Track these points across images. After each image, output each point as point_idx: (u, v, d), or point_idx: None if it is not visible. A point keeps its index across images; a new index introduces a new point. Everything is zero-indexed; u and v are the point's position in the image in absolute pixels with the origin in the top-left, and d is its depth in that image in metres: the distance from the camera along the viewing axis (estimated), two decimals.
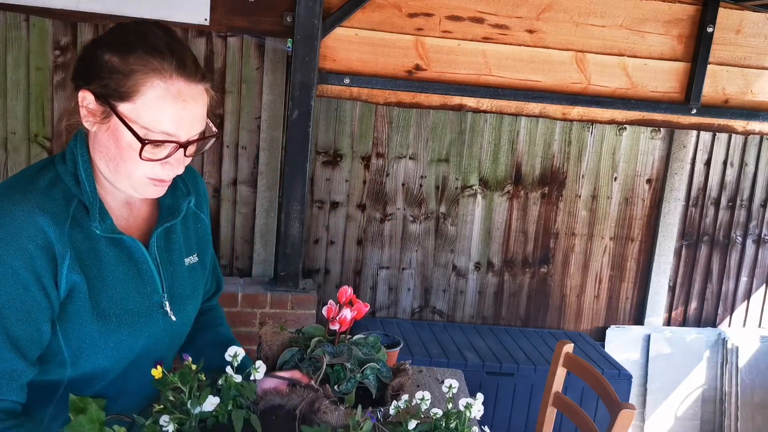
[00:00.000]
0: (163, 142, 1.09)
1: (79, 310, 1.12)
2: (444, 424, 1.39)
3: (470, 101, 3.16)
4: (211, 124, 1.18)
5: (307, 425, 1.20)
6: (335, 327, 1.57)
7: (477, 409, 1.41)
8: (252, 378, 1.22)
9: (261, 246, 3.24)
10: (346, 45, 3.02)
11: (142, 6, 2.80)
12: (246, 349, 3.19)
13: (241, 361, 1.19)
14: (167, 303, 1.24)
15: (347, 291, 1.61)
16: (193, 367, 1.15)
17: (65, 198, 1.12)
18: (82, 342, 1.14)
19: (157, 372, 1.11)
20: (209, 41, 3.01)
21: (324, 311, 1.59)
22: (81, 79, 1.11)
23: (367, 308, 1.63)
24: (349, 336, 1.62)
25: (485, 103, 3.18)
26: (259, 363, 1.25)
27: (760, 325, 3.93)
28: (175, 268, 1.28)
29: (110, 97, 1.08)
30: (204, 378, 1.16)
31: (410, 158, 3.40)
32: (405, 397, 1.41)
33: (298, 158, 2.96)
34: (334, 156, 3.33)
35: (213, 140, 1.19)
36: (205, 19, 2.88)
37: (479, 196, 3.50)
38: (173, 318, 1.25)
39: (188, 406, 1.12)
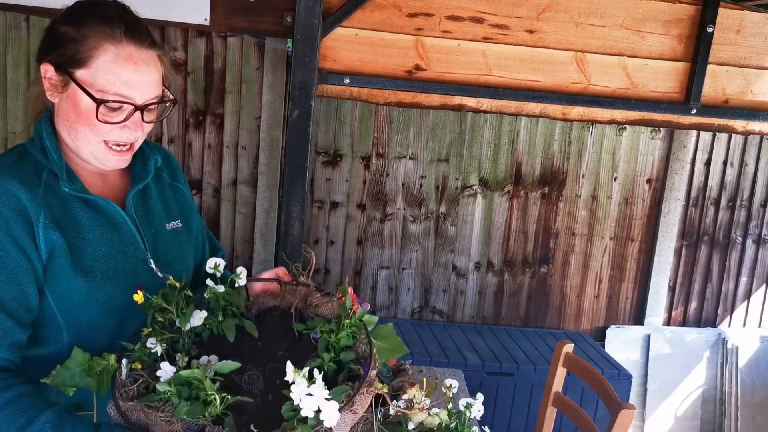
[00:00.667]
0: (118, 102, 1.15)
1: (62, 269, 1.16)
2: (444, 424, 1.39)
3: (470, 101, 3.16)
4: (168, 92, 1.24)
5: (301, 322, 1.20)
6: None
7: (477, 409, 1.41)
8: (236, 285, 1.22)
9: (261, 246, 3.24)
10: (346, 45, 3.02)
11: (142, 6, 2.79)
12: None
13: (224, 273, 1.24)
14: (152, 261, 1.27)
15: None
16: (177, 285, 1.16)
17: (35, 170, 1.18)
18: (71, 300, 1.18)
19: (138, 297, 1.14)
20: (209, 41, 3.01)
21: None
22: (42, 54, 1.19)
23: (367, 308, 1.63)
24: None
25: (485, 103, 3.18)
26: (240, 269, 1.25)
27: (760, 325, 3.92)
28: (156, 231, 1.32)
29: (67, 65, 1.15)
30: (191, 294, 1.17)
31: (410, 158, 3.40)
32: (405, 396, 1.41)
33: (298, 158, 2.96)
34: (334, 156, 3.33)
35: (171, 107, 1.26)
36: (205, 19, 2.88)
37: (479, 196, 3.50)
38: (160, 275, 1.28)
39: (177, 324, 1.13)
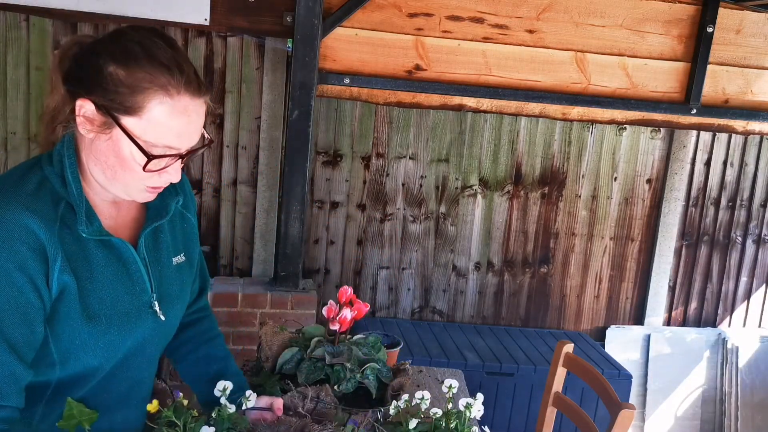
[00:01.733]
0: (167, 156, 1.10)
1: (69, 311, 1.12)
2: (444, 424, 1.39)
3: (470, 101, 3.16)
4: (205, 133, 1.18)
5: None
6: (335, 327, 1.57)
7: (477, 409, 1.41)
8: (243, 407, 1.25)
9: (261, 246, 3.24)
10: (346, 45, 3.02)
11: (142, 6, 2.80)
12: (246, 349, 3.20)
13: (235, 386, 1.27)
14: (156, 303, 1.24)
15: (347, 291, 1.61)
16: (185, 402, 1.19)
17: (53, 200, 1.11)
18: (71, 343, 1.14)
19: (152, 406, 1.15)
20: (209, 41, 3.01)
21: (324, 311, 1.59)
22: (79, 87, 1.09)
23: (367, 308, 1.63)
24: (349, 336, 1.62)
25: (485, 103, 3.18)
26: (249, 392, 1.27)
27: (760, 325, 3.93)
28: (163, 268, 1.27)
29: (114, 110, 1.06)
30: (196, 414, 1.19)
31: (410, 158, 3.40)
32: (405, 397, 1.41)
33: (298, 158, 2.96)
34: (334, 156, 3.33)
35: (206, 147, 1.20)
36: (205, 19, 2.88)
37: (479, 196, 3.50)
38: (162, 318, 1.25)
39: None
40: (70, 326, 1.13)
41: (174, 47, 1.11)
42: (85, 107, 1.08)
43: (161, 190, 1.18)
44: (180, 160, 1.13)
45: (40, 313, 1.09)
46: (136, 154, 1.08)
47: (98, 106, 1.07)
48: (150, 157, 1.07)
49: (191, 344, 1.47)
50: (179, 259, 1.32)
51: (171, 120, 1.07)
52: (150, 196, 1.18)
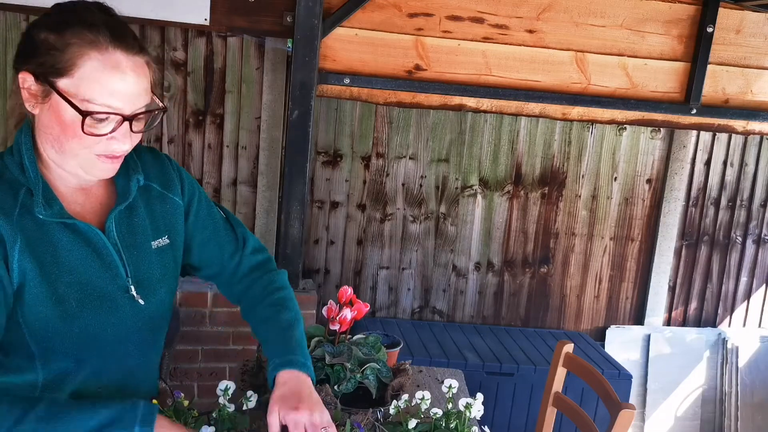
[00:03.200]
0: (105, 113, 1.09)
1: (36, 297, 1.12)
2: (444, 424, 1.39)
3: (470, 101, 3.16)
4: (157, 99, 1.17)
5: None
6: (335, 327, 1.57)
7: (477, 409, 1.41)
8: (244, 408, 1.25)
9: None
10: (346, 45, 3.02)
11: (141, 6, 2.80)
12: (247, 349, 3.18)
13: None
14: (133, 287, 1.22)
15: (347, 291, 1.61)
16: (185, 403, 1.19)
17: (12, 188, 1.12)
18: (45, 330, 1.13)
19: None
20: (209, 41, 3.01)
21: (324, 311, 1.60)
22: (20, 61, 1.12)
23: (367, 308, 1.63)
24: (349, 336, 1.62)
25: (485, 103, 3.18)
26: (250, 393, 1.27)
27: (760, 325, 3.92)
28: (139, 252, 1.25)
29: (48, 74, 1.08)
30: (196, 414, 1.19)
31: (410, 158, 3.40)
32: (405, 397, 1.41)
33: (298, 158, 2.96)
34: (334, 156, 3.33)
35: (161, 115, 1.19)
36: (205, 19, 2.88)
37: (479, 196, 3.50)
38: (141, 302, 1.23)
39: None
40: (39, 312, 1.13)
41: (107, 11, 1.13)
42: (27, 79, 1.10)
43: (118, 161, 1.16)
44: (127, 125, 1.12)
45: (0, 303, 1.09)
46: (74, 116, 1.08)
47: (36, 76, 1.09)
48: (84, 114, 1.07)
49: (253, 304, 1.44)
50: (161, 242, 1.29)
51: (103, 75, 1.07)
52: (108, 169, 1.16)
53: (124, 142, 1.13)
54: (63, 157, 1.13)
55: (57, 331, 1.14)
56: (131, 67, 1.10)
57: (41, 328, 1.13)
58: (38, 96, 1.10)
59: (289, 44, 3.03)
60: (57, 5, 1.13)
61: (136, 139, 1.16)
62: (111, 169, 1.16)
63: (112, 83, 1.08)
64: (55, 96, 1.08)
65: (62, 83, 1.08)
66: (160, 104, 1.17)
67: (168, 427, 1.09)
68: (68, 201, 1.18)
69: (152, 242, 1.28)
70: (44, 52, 1.08)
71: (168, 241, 1.31)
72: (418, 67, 3.09)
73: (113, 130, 1.11)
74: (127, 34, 1.12)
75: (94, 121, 1.08)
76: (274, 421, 1.16)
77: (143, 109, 1.13)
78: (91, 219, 1.21)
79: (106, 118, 1.09)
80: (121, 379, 1.25)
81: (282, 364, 1.25)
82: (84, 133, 1.08)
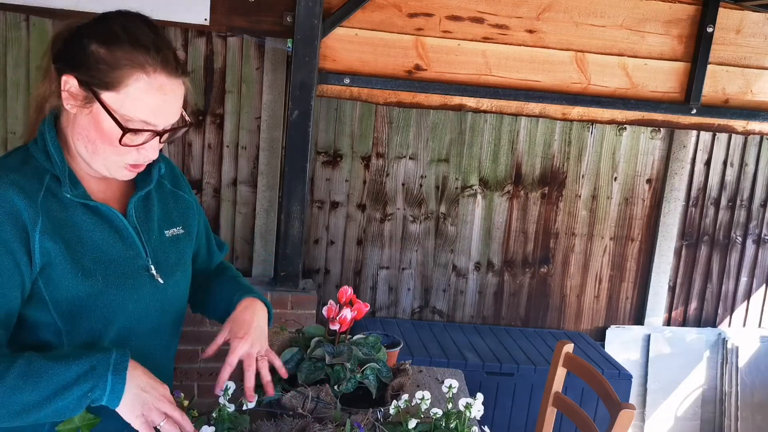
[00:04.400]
0: (142, 131, 1.16)
1: (63, 273, 1.17)
2: (444, 424, 1.39)
3: (470, 101, 3.16)
4: (185, 115, 1.25)
5: None
6: (335, 327, 1.57)
7: (477, 409, 1.41)
8: (244, 408, 1.26)
9: (261, 246, 3.23)
10: (346, 45, 3.02)
11: (142, 6, 2.79)
12: None
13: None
14: (152, 267, 1.29)
15: (347, 291, 1.61)
16: (185, 403, 1.21)
17: (37, 173, 1.19)
18: (72, 306, 1.18)
19: None
20: (209, 41, 3.01)
21: (324, 311, 1.59)
22: (65, 65, 1.17)
23: (367, 308, 1.63)
24: (349, 336, 1.62)
25: (485, 103, 3.18)
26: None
27: (760, 325, 3.93)
28: (155, 237, 1.33)
29: (94, 85, 1.14)
30: (196, 414, 1.20)
31: (410, 158, 3.40)
32: (405, 397, 1.41)
33: (298, 158, 2.96)
34: (334, 156, 3.33)
35: (186, 129, 1.26)
36: (205, 19, 2.88)
37: (479, 196, 3.50)
38: (160, 281, 1.30)
39: None
40: (67, 288, 1.17)
41: (156, 31, 1.19)
42: (70, 83, 1.16)
43: (140, 169, 1.25)
44: (158, 138, 1.20)
45: (13, 278, 1.13)
46: (113, 128, 1.15)
47: (81, 82, 1.15)
48: (125, 130, 1.14)
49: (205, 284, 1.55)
50: (175, 231, 1.38)
51: (147, 96, 1.15)
52: (129, 174, 1.24)
53: (153, 153, 1.22)
54: (93, 157, 1.20)
55: (83, 306, 1.19)
56: (172, 89, 1.18)
57: (68, 303, 1.18)
58: (79, 100, 1.16)
59: (289, 44, 3.03)
60: (104, 16, 1.20)
61: (160, 147, 1.25)
62: (133, 174, 1.25)
63: (154, 103, 1.16)
64: (97, 105, 1.14)
65: (107, 96, 1.14)
66: (187, 120, 1.26)
67: (140, 376, 1.15)
68: (91, 187, 1.26)
69: (166, 231, 1.36)
70: (93, 65, 1.14)
71: (183, 231, 1.40)
72: (418, 67, 3.09)
73: (144, 142, 1.19)
74: (170, 57, 1.18)
75: (131, 134, 1.16)
76: (220, 340, 1.38)
77: (175, 125, 1.22)
78: (112, 204, 1.28)
79: (141, 132, 1.17)
80: (139, 359, 1.28)
81: (244, 293, 1.44)
82: (120, 144, 1.16)
